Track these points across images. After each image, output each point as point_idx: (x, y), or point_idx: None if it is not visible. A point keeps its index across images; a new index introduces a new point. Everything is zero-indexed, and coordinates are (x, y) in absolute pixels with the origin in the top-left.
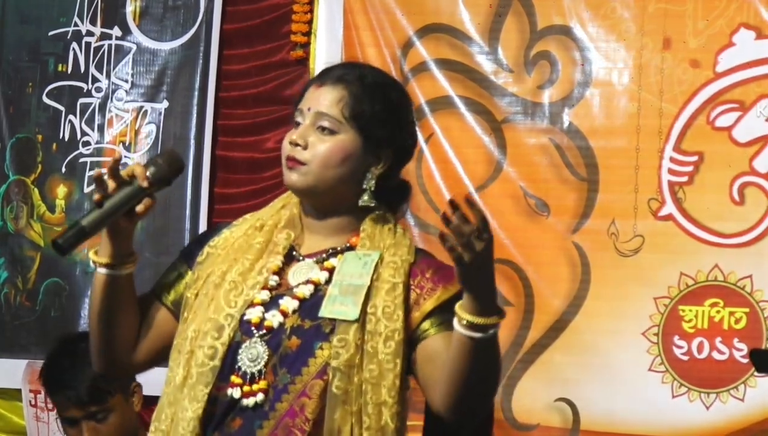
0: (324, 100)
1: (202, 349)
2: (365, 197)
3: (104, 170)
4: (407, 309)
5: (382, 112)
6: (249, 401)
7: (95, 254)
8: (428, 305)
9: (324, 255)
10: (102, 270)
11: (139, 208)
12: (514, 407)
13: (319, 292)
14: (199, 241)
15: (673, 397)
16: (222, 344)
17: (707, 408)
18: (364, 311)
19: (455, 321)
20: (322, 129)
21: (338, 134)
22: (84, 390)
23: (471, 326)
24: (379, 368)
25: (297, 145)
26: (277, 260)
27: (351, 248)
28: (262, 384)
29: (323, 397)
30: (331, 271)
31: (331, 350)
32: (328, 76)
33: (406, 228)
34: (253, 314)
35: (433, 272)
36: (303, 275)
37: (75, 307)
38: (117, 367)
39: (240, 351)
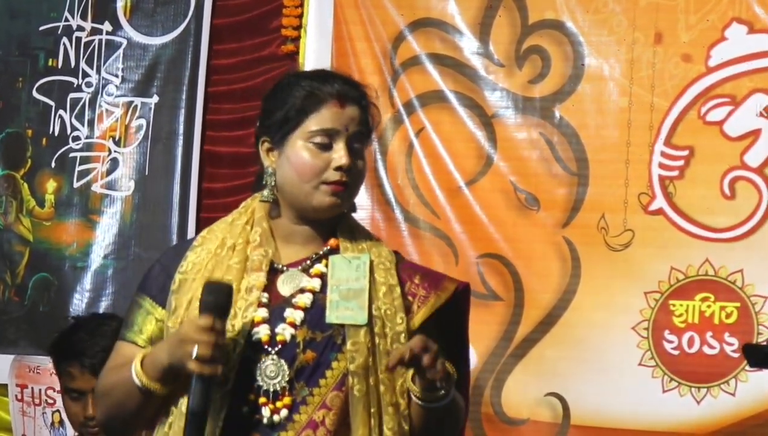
0: (356, 119)
1: None
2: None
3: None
4: (406, 314)
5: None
6: (275, 418)
7: (142, 371)
8: (423, 312)
9: (308, 262)
10: (148, 389)
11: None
12: (504, 402)
13: (317, 300)
14: (164, 271)
15: (664, 392)
16: (231, 369)
17: (698, 403)
18: (369, 314)
19: (409, 393)
20: (356, 150)
21: (364, 155)
22: (99, 360)
23: (427, 398)
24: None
25: (349, 169)
26: (261, 277)
27: (333, 251)
28: (287, 400)
29: (343, 409)
30: (321, 276)
31: (347, 356)
32: (345, 95)
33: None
34: (261, 333)
35: (420, 277)
36: (293, 283)
37: (64, 302)
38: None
39: (257, 370)
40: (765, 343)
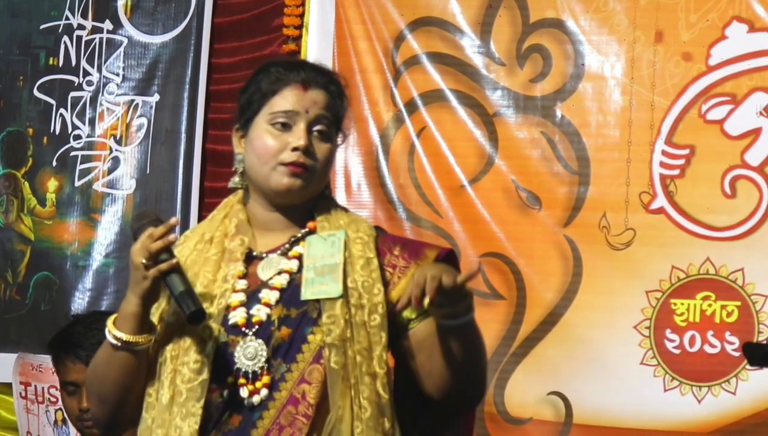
0: (319, 103)
1: (187, 365)
2: (328, 190)
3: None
4: (384, 285)
5: (345, 112)
6: (255, 399)
7: (114, 326)
8: (404, 282)
9: (287, 246)
10: (123, 342)
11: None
12: (507, 401)
13: (294, 281)
14: None
15: (665, 390)
16: (207, 356)
17: (699, 402)
18: (345, 287)
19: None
20: (320, 133)
21: (331, 139)
22: (93, 351)
23: (446, 315)
24: (367, 339)
25: (307, 150)
26: (239, 266)
27: (311, 232)
28: (266, 380)
29: (323, 381)
30: (300, 258)
31: (323, 328)
32: (309, 78)
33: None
34: (237, 317)
35: (401, 248)
36: (272, 268)
37: (65, 301)
38: (128, 424)
39: (236, 353)
40: (765, 342)
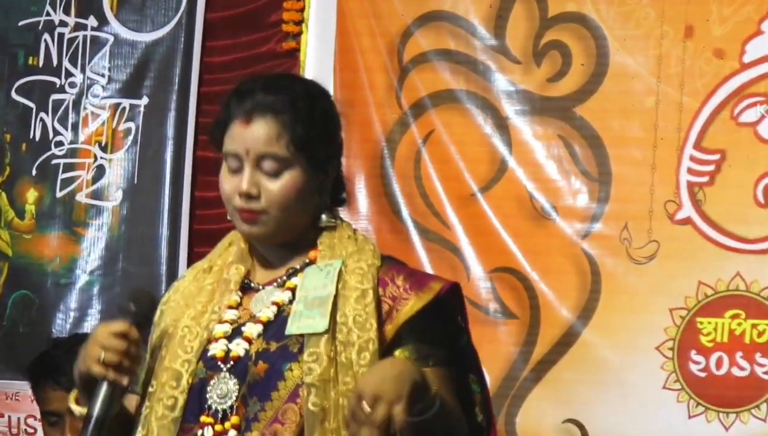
0: (260, 139)
1: (161, 401)
2: (325, 218)
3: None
4: (380, 319)
5: (321, 132)
6: None
7: (76, 402)
8: (401, 316)
9: (284, 278)
10: (81, 415)
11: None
12: (519, 429)
13: (282, 313)
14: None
15: (690, 417)
16: (181, 392)
17: (726, 429)
18: (333, 321)
19: None
20: (268, 172)
21: (286, 171)
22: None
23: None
24: (354, 380)
25: (250, 195)
26: (232, 296)
27: (311, 262)
28: (234, 420)
29: (299, 423)
30: (294, 290)
31: (302, 366)
32: (254, 108)
33: (366, 235)
34: (217, 349)
35: (403, 278)
36: (264, 301)
37: (45, 321)
38: None
39: (208, 389)
40: None
